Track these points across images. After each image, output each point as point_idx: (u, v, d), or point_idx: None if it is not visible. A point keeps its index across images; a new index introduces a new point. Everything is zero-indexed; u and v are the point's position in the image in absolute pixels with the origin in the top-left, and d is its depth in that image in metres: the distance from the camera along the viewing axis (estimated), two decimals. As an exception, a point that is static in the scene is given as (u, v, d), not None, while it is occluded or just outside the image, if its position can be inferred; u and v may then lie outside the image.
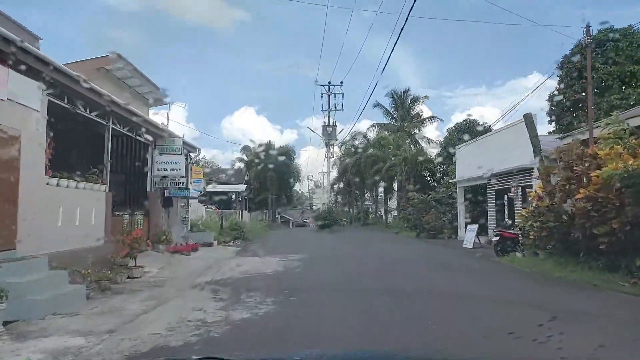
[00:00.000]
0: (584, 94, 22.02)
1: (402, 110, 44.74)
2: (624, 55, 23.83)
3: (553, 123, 26.94)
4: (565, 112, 25.99)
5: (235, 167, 52.70)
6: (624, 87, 23.98)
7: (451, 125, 37.71)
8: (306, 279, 11.24)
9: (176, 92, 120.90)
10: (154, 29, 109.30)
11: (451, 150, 29.55)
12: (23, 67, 7.89)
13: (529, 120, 16.81)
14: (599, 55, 23.98)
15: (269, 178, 43.45)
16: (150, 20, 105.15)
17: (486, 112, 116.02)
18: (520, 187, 18.88)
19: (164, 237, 15.66)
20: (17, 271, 7.04)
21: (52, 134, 9.42)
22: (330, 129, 37.19)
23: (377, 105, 44.78)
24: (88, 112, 11.03)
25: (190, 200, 32.82)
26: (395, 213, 46.75)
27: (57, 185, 9.60)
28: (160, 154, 15.96)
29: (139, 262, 11.80)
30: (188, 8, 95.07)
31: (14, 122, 8.05)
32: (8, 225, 7.76)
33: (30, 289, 6.86)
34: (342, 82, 38.46)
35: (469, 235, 20.07)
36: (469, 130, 29.53)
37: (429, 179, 33.68)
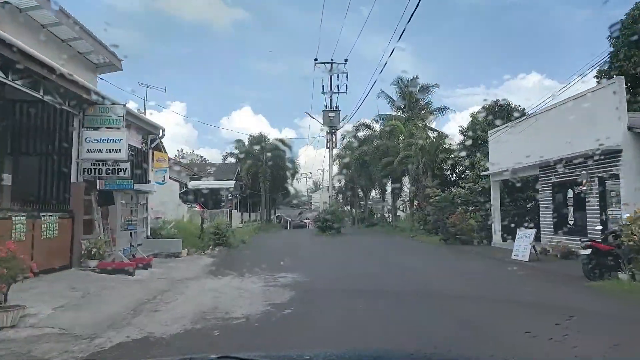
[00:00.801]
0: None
1: (410, 100, 39.58)
2: None
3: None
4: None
5: (227, 162, 47.57)
6: None
7: (476, 109, 31.59)
8: (302, 341, 6.10)
9: (176, 92, 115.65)
10: (153, 29, 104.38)
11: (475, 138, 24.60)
12: None
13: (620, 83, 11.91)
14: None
15: (262, 173, 38.36)
16: (149, 19, 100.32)
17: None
18: (596, 178, 13.89)
19: (95, 249, 10.68)
20: None
21: None
22: (333, 114, 31.85)
23: (381, 94, 39.70)
24: None
25: (170, 199, 28.20)
26: (402, 213, 41.77)
27: None
28: (91, 129, 10.96)
29: (26, 296, 6.94)
30: (187, 7, 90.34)
31: None
32: None
33: None
34: (346, 60, 33.23)
35: (521, 244, 15.04)
36: (502, 115, 24.56)
37: (448, 172, 28.66)
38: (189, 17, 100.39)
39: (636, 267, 9.63)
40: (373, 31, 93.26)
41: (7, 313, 6.47)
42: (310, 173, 64.59)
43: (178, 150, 54.64)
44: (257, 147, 38.72)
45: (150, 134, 15.93)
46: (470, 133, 24.66)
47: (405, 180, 35.38)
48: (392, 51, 26.75)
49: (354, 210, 50.91)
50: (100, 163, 11.08)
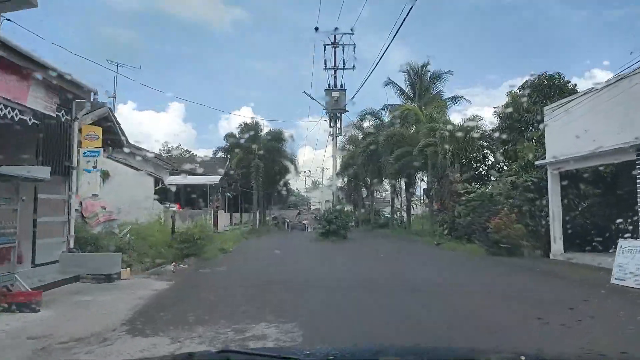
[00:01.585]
0: None
1: (420, 88, 34.35)
2: None
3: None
4: None
5: (218, 157, 42.24)
6: None
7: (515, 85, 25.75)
8: None
9: (175, 91, 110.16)
10: (152, 28, 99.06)
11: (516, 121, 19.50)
12: None
13: None
14: None
15: (254, 167, 33.11)
16: (148, 18, 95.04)
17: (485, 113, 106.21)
18: None
19: None
20: None
21: None
22: (337, 94, 26.43)
23: (388, 83, 34.46)
24: None
25: (141, 196, 23.44)
26: (412, 213, 36.62)
27: None
28: None
29: None
30: (186, 6, 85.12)
31: None
32: None
33: None
34: (352, 30, 27.97)
35: (631, 262, 9.94)
36: (551, 90, 19.50)
37: (480, 164, 23.54)
38: (187, 16, 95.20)
39: None
40: (373, 31, 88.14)
41: None
42: (309, 171, 59.29)
43: (163, 144, 49.32)
44: (247, 136, 33.50)
45: (77, 98, 10.82)
46: (511, 112, 19.49)
47: (420, 175, 30.32)
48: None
49: (357, 210, 45.80)
50: None
